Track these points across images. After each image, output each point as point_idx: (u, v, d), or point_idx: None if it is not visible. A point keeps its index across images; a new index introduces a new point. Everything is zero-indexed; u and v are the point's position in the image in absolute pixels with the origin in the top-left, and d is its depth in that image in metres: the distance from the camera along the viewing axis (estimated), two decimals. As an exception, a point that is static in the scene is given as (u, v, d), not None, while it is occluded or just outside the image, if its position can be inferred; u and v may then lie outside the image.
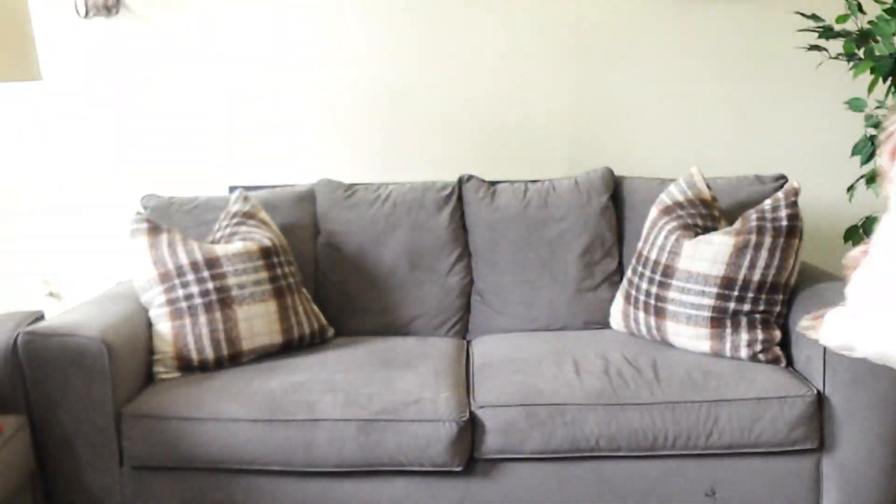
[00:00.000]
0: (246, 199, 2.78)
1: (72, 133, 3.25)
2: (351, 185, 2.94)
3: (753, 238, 2.44)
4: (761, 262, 2.42)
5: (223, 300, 2.50)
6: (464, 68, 3.21)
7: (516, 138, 3.24)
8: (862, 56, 2.60)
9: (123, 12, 3.16)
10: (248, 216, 2.73)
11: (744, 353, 2.41)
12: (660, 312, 2.51)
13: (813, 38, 2.73)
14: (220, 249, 2.57)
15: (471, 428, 2.26)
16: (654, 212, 2.67)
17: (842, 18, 2.67)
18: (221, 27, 3.19)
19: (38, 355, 2.24)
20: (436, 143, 3.26)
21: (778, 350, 2.43)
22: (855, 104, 2.68)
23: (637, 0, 3.16)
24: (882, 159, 1.56)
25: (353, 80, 3.22)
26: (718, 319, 2.42)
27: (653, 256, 2.59)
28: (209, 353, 2.47)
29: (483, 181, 2.92)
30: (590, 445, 2.25)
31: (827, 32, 2.66)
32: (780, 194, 2.52)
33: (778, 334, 2.43)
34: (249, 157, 3.26)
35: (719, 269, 2.44)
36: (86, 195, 3.27)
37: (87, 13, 3.12)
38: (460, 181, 2.93)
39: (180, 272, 2.50)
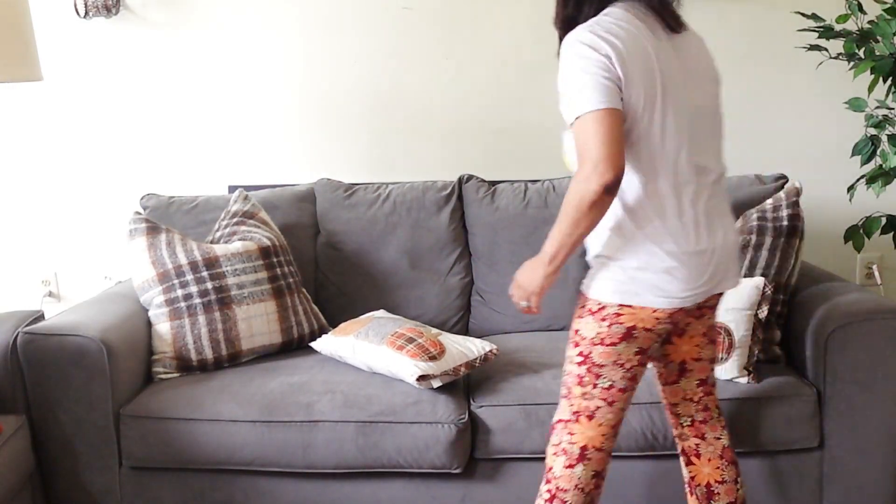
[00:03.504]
0: (246, 198, 2.78)
1: (72, 133, 3.25)
2: (351, 185, 2.94)
3: (754, 238, 2.44)
4: (761, 263, 2.42)
5: (222, 300, 2.50)
6: (464, 68, 3.21)
7: (516, 138, 3.24)
8: (862, 56, 2.60)
9: (123, 12, 3.16)
10: (248, 216, 2.73)
11: (744, 353, 2.40)
12: (659, 312, 2.50)
13: (813, 38, 2.73)
14: (220, 249, 2.57)
15: (470, 428, 2.26)
16: (653, 212, 2.66)
17: (842, 18, 2.66)
18: (221, 27, 3.19)
19: (37, 355, 2.24)
20: (436, 143, 3.26)
21: (778, 350, 2.43)
22: (855, 104, 2.67)
23: (637, 0, 3.16)
24: None
25: (353, 80, 3.22)
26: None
27: (653, 256, 2.59)
28: (208, 354, 2.47)
29: (483, 181, 2.92)
30: (589, 446, 2.25)
31: (827, 32, 2.65)
32: (781, 194, 2.52)
33: (778, 334, 2.43)
34: (249, 157, 3.26)
35: (719, 270, 2.43)
36: (86, 195, 3.27)
37: (87, 13, 3.12)
38: (460, 181, 2.93)
39: (179, 272, 2.50)
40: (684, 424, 2.03)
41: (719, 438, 2.03)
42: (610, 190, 1.70)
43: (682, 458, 2.07)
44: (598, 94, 1.70)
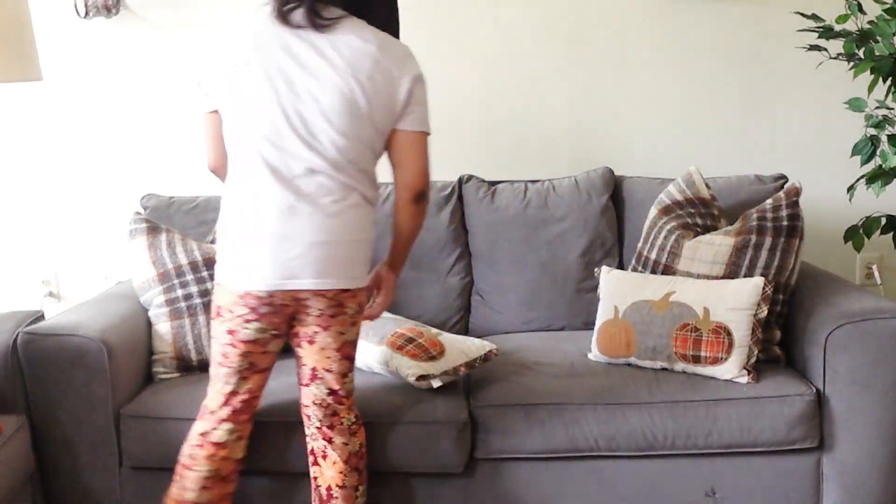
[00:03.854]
0: (246, 199, 2.78)
1: (72, 133, 3.25)
2: (351, 185, 2.94)
3: (754, 238, 2.44)
4: (761, 263, 2.42)
5: (223, 300, 2.50)
6: (463, 68, 3.21)
7: (516, 138, 3.24)
8: (862, 56, 2.60)
9: (123, 12, 3.16)
10: (248, 216, 2.73)
11: (743, 353, 2.40)
12: (659, 312, 2.50)
13: (813, 38, 2.73)
14: (220, 249, 2.57)
15: (470, 428, 2.26)
16: (653, 212, 2.67)
17: (842, 18, 2.66)
18: (222, 27, 3.19)
19: (37, 355, 2.24)
20: (435, 143, 3.24)
21: (778, 350, 2.43)
22: (855, 104, 2.67)
23: (637, -1, 3.17)
24: None
25: (352, 80, 3.21)
26: (718, 319, 2.42)
27: (653, 257, 2.59)
28: (208, 354, 2.47)
29: (483, 181, 2.92)
30: (589, 445, 2.25)
31: (827, 32, 2.66)
32: (781, 194, 2.52)
33: (778, 334, 2.43)
34: (249, 157, 3.26)
35: (719, 270, 2.44)
36: (86, 195, 3.27)
37: (87, 13, 3.12)
38: (460, 181, 2.93)
39: (179, 272, 2.50)
40: (313, 426, 2.09)
41: (346, 444, 2.07)
42: (213, 173, 2.18)
43: (309, 458, 2.12)
44: (207, 98, 2.09)
